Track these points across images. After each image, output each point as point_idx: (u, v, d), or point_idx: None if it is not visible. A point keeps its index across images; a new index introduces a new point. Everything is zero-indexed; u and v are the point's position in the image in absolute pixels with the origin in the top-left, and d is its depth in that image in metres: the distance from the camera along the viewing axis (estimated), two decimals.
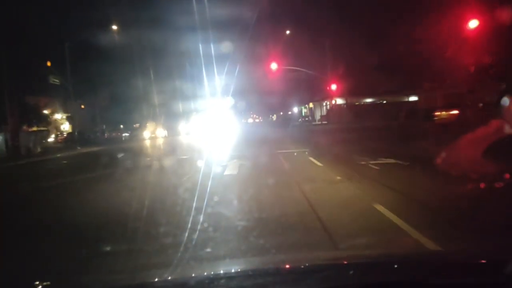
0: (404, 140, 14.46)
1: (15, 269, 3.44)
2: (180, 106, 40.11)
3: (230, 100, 49.45)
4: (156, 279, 1.87)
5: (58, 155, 24.01)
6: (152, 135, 37.11)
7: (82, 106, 32.96)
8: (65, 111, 42.93)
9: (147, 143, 31.62)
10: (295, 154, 13.15)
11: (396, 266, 1.89)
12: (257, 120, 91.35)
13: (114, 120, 43.88)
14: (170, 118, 42.01)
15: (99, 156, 20.47)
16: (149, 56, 37.47)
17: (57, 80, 28.34)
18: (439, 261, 2.03)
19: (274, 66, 34.13)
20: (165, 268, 2.23)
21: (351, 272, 1.81)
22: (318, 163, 10.01)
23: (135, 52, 36.57)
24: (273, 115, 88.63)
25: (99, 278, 2.25)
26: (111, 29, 30.15)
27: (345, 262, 2.09)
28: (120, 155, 17.36)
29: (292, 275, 1.86)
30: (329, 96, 38.58)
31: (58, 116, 42.22)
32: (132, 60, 36.89)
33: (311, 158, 11.10)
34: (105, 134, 38.65)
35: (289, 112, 77.04)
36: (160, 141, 32.30)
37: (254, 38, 48.93)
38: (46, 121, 32.20)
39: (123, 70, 37.47)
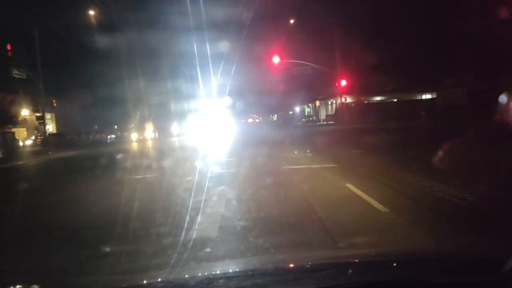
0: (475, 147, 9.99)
1: None
2: (173, 107, 36.01)
3: (227, 100, 46.15)
4: (156, 280, 1.82)
5: (19, 162, 19.88)
6: (140, 137, 32.61)
7: (55, 104, 28.54)
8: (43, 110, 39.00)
9: (131, 147, 27.34)
10: (318, 173, 8.68)
11: (395, 264, 1.85)
12: (257, 120, 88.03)
13: (102, 121, 40.04)
14: (162, 119, 37.98)
15: (57, 168, 16.40)
16: (140, 54, 33.44)
17: (22, 74, 23.95)
18: (438, 259, 1.97)
19: (276, 59, 30.34)
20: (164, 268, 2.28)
21: (350, 271, 1.78)
22: (375, 203, 5.25)
23: (124, 50, 32.54)
24: (273, 115, 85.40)
25: (97, 279, 2.20)
26: (95, 23, 26.05)
27: (344, 261, 2.04)
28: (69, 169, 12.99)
29: (291, 274, 1.84)
30: (338, 93, 34.29)
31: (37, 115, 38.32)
32: (120, 58, 32.75)
33: (352, 187, 6.50)
34: (90, 136, 34.12)
35: (290, 112, 73.12)
36: (145, 145, 27.95)
37: (253, 35, 45.08)
38: (11, 121, 27.76)
39: (111, 68, 33.73)
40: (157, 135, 34.78)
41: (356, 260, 2.03)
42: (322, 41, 38.51)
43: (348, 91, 34.22)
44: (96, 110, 38.87)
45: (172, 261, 3.53)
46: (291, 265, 2.00)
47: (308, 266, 1.93)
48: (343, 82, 32.47)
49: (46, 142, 30.23)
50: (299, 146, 16.13)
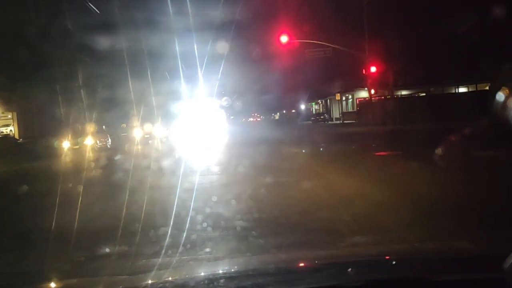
0: None
1: None
2: (135, 106, 27.31)
3: (223, 99, 39.58)
4: (155, 280, 1.78)
5: None
6: (75, 146, 22.26)
7: None
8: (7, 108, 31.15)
9: (46, 165, 15.89)
10: None
11: (395, 263, 1.84)
12: (258, 119, 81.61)
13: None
14: (122, 121, 29.54)
15: None
16: (128, 50, 25.06)
17: None
18: (440, 257, 1.95)
19: (284, 39, 22.94)
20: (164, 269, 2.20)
21: (351, 270, 1.75)
22: None
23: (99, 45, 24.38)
24: (275, 113, 78.60)
25: (97, 281, 2.20)
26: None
27: (345, 260, 2.04)
28: None
29: (292, 274, 1.82)
30: (366, 83, 26.29)
31: None
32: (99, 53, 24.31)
33: None
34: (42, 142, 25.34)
35: (293, 110, 65.97)
36: (66, 164, 17.18)
37: (253, 32, 37.63)
38: None
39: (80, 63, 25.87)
40: (108, 143, 24.97)
41: (357, 259, 2.01)
42: (342, 20, 30.61)
43: (376, 82, 26.29)
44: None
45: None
46: (292, 265, 1.98)
47: (310, 265, 1.93)
48: (373, 69, 24.56)
49: None
50: (332, 161, 9.64)
